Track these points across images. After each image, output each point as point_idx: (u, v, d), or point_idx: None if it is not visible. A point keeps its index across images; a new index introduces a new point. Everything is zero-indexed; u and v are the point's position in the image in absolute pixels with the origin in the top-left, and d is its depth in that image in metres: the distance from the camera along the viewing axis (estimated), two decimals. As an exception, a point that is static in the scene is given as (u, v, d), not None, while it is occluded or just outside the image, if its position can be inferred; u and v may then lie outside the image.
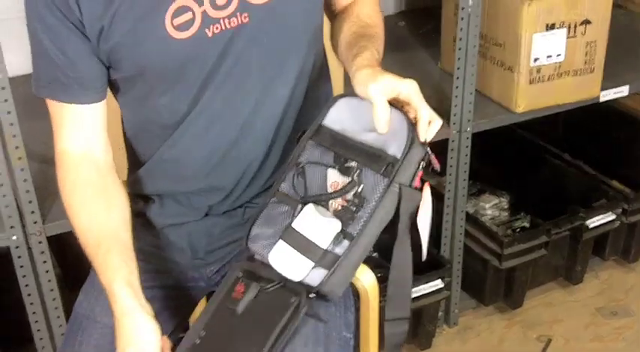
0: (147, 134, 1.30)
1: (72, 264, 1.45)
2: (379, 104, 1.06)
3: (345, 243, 1.08)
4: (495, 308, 2.38)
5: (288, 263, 1.10)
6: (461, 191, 2.15)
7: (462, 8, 1.92)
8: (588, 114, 2.33)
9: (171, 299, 1.35)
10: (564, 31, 2.01)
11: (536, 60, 2.01)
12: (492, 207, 2.52)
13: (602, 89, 2.16)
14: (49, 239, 1.66)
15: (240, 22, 1.17)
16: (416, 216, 1.11)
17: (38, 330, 1.74)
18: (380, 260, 1.59)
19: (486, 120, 2.09)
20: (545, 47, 2.00)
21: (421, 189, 1.11)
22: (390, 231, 1.10)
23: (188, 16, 1.15)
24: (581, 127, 2.70)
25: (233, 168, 1.28)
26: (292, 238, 1.10)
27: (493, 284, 2.33)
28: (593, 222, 2.37)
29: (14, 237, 1.62)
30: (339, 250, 1.09)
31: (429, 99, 1.09)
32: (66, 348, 1.30)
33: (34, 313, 1.72)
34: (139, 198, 1.36)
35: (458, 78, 1.99)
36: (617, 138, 2.68)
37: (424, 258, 1.16)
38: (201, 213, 1.34)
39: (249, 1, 1.17)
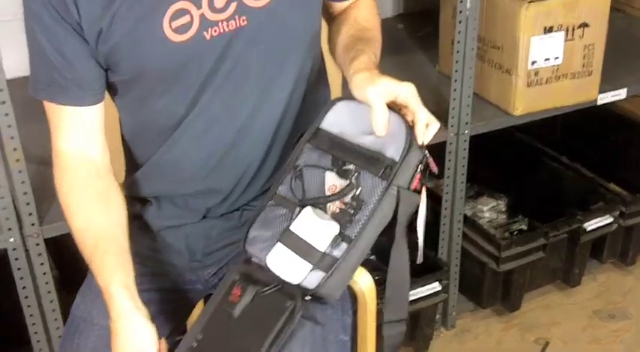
0: (144, 136, 1.30)
1: (69, 266, 1.45)
2: (377, 107, 1.06)
3: (343, 245, 1.08)
4: (493, 310, 2.37)
5: (286, 265, 1.09)
6: (458, 193, 2.15)
7: (460, 11, 1.92)
8: (586, 117, 2.33)
9: (168, 302, 1.34)
10: (562, 34, 2.00)
11: (534, 63, 2.00)
12: (490, 210, 2.51)
13: (600, 92, 2.16)
14: (47, 241, 1.65)
15: (238, 25, 1.17)
16: (414, 218, 1.11)
17: (35, 332, 1.73)
18: (377, 262, 1.59)
19: (484, 122, 2.09)
20: (543, 50, 2.00)
21: (419, 192, 1.11)
22: (388, 233, 1.10)
23: (186, 18, 1.15)
24: (578, 130, 2.70)
25: (231, 170, 1.28)
26: (290, 241, 1.09)
27: (491, 287, 2.32)
28: (591, 224, 2.37)
29: (12, 239, 1.62)
30: (337, 253, 1.08)
31: (426, 102, 1.09)
32: (63, 350, 1.30)
33: (31, 315, 1.71)
34: (136, 201, 1.36)
35: (456, 80, 1.99)
36: (615, 141, 2.68)
37: (420, 260, 1.16)
38: (199, 216, 1.34)
39: (248, 4, 1.17)
